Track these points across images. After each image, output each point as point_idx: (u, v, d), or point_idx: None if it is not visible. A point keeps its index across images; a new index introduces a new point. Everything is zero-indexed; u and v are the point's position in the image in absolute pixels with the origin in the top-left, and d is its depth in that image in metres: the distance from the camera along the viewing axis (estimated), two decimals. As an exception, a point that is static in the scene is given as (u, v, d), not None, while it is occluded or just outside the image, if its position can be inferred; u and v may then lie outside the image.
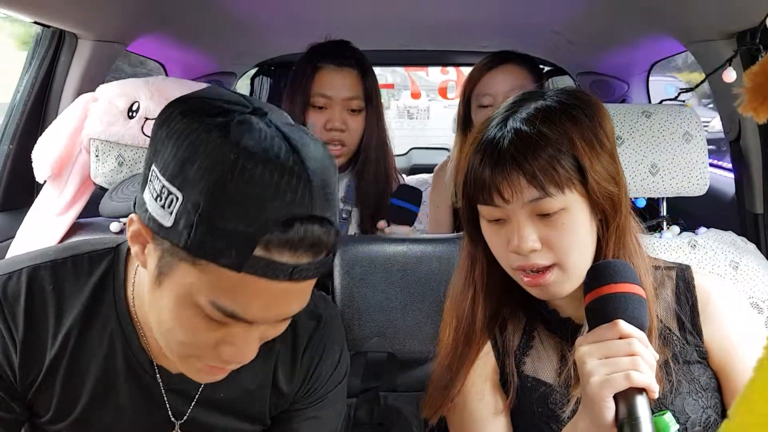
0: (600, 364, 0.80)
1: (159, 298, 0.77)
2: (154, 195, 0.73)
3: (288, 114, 1.85)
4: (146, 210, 0.75)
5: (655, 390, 0.80)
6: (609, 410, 0.79)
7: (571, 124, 0.93)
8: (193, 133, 0.71)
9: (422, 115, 9.78)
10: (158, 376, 0.92)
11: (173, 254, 0.73)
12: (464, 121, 1.83)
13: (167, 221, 0.72)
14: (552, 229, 0.93)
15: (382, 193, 1.77)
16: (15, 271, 0.89)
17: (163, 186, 0.72)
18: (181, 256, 0.72)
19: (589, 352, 0.82)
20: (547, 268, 0.94)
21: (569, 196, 0.92)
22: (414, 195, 1.69)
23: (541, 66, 2.58)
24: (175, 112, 0.75)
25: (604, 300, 0.84)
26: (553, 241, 0.93)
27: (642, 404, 0.78)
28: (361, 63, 1.74)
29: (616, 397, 0.79)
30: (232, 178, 0.69)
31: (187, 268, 0.72)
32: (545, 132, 0.91)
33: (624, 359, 0.79)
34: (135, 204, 0.79)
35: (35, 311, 0.88)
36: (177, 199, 0.71)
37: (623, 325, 0.81)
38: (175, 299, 0.75)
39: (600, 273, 0.87)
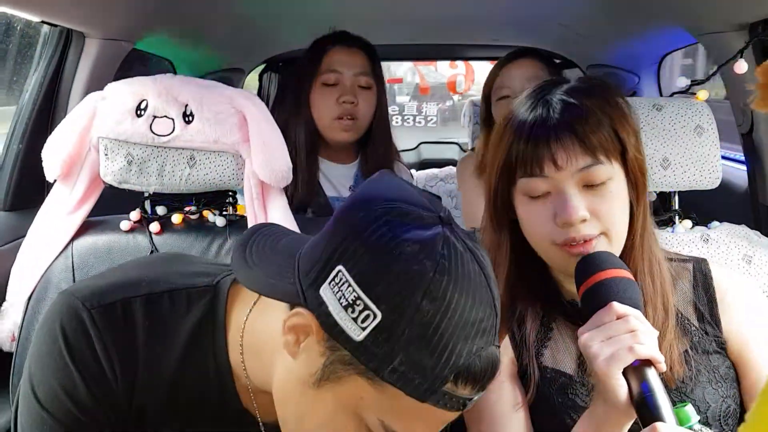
0: (603, 345, 0.82)
1: (312, 399, 0.74)
2: (343, 303, 0.69)
3: (295, 98, 1.80)
4: (328, 313, 0.70)
5: (661, 360, 0.82)
6: (621, 388, 0.81)
7: (603, 100, 0.96)
8: (396, 249, 0.68)
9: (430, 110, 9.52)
10: (261, 426, 0.89)
11: (349, 365, 0.70)
12: (486, 118, 1.92)
13: (356, 335, 0.68)
14: (600, 198, 0.95)
15: None
16: (109, 303, 0.83)
17: (358, 297, 0.68)
18: (359, 370, 0.69)
19: (590, 337, 0.84)
20: (594, 237, 0.95)
21: (615, 165, 0.95)
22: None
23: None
24: (371, 214, 0.71)
25: (595, 288, 0.87)
26: (601, 210, 0.95)
27: (653, 375, 0.80)
28: (368, 47, 1.80)
29: (626, 375, 0.81)
30: (444, 316, 0.67)
31: (363, 384, 0.70)
32: (587, 103, 0.95)
33: (624, 336, 0.82)
34: (303, 295, 0.73)
35: (129, 349, 0.82)
36: (375, 317, 0.67)
37: (618, 306, 0.84)
38: (336, 407, 0.73)
39: (587, 265, 0.90)
